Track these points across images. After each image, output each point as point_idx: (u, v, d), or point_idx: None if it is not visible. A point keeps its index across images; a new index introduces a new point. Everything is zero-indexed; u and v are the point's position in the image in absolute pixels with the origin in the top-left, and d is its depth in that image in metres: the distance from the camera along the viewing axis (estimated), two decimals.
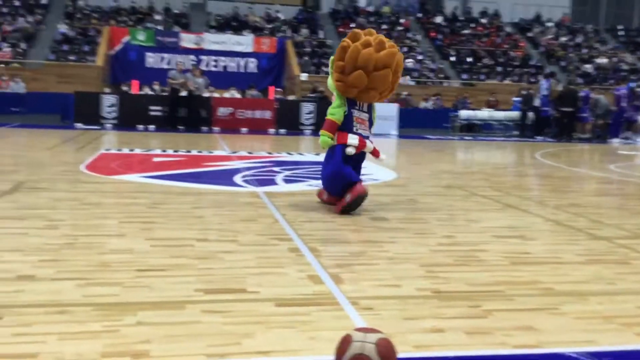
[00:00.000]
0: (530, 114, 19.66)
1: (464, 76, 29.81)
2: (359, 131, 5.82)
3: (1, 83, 21.92)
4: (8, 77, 22.04)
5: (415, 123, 21.61)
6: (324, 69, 27.79)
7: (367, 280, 3.62)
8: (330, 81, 5.96)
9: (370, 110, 6.00)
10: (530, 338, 2.81)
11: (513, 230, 5.24)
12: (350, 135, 5.74)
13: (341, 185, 5.66)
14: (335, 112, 5.79)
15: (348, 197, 5.56)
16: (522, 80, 28.33)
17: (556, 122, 19.16)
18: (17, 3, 30.36)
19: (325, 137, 5.80)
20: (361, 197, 5.59)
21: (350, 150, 5.72)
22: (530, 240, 4.86)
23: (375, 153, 5.97)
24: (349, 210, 5.60)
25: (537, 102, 19.26)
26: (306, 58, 27.73)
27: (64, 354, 2.43)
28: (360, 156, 5.94)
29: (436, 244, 4.61)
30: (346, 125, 5.77)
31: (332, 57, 6.02)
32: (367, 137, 5.89)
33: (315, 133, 17.87)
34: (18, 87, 21.69)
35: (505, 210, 6.21)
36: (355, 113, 5.83)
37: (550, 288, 3.62)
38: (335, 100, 5.88)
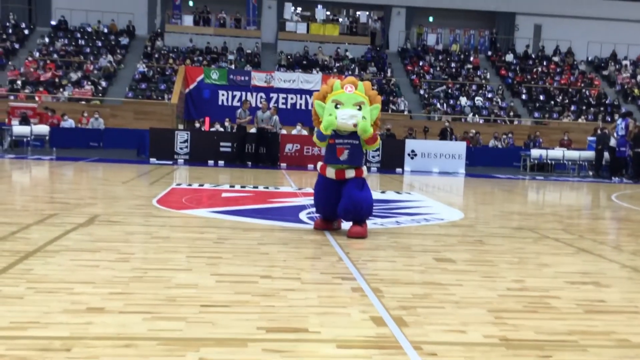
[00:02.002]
0: (606, 154, 18.98)
1: (536, 114, 29.21)
2: None
3: (82, 119, 23.04)
4: (88, 114, 23.16)
5: (484, 161, 21.28)
6: (392, 106, 27.85)
7: (432, 324, 3.53)
8: (370, 121, 6.41)
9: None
10: None
11: (587, 276, 5.02)
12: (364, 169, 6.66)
13: (368, 216, 6.46)
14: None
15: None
16: (597, 119, 27.49)
17: (633, 163, 18.41)
18: (99, 44, 32.11)
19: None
20: None
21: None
22: (605, 287, 4.63)
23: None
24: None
25: (612, 142, 18.59)
26: None
27: None
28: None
29: (505, 289, 4.46)
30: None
31: (361, 98, 6.40)
32: None
33: (381, 170, 17.83)
34: (97, 123, 22.76)
35: (578, 255, 5.96)
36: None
37: (627, 339, 3.42)
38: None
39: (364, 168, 6.61)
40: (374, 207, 6.70)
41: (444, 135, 21.78)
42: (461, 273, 4.90)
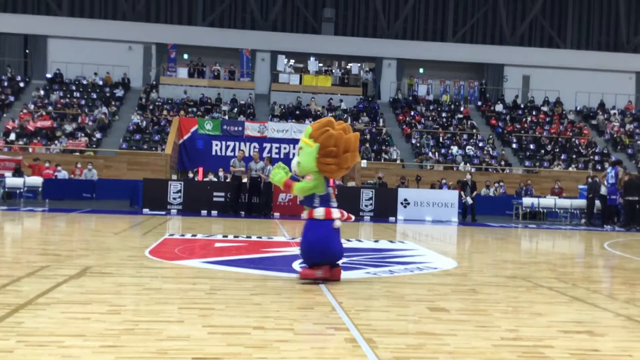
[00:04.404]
0: (597, 202, 19.10)
1: (527, 163, 29.50)
2: (333, 204, 6.55)
3: (75, 170, 23.09)
4: (82, 165, 23.23)
5: (477, 210, 21.29)
6: (384, 155, 28.09)
7: None
8: (305, 163, 6.52)
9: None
10: None
11: (580, 325, 5.00)
12: (334, 211, 6.47)
13: (321, 259, 6.33)
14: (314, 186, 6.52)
15: (320, 273, 6.33)
16: (587, 168, 27.79)
17: (625, 211, 18.52)
18: (94, 96, 32.46)
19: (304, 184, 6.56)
20: (326, 280, 6.39)
21: (338, 223, 6.45)
22: (599, 337, 4.61)
23: (348, 219, 6.68)
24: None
25: (603, 190, 18.74)
26: (366, 145, 28.16)
27: None
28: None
29: (499, 338, 4.44)
30: (329, 202, 6.52)
31: (301, 143, 6.62)
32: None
33: (374, 219, 17.86)
34: (91, 174, 22.79)
35: (572, 304, 5.95)
36: (330, 190, 6.62)
37: None
38: (313, 181, 6.51)
39: (317, 209, 6.47)
40: (343, 254, 6.73)
41: (464, 189, 19.57)
42: (455, 323, 4.88)
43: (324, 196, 6.52)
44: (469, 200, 19.00)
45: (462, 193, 19.18)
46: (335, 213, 6.48)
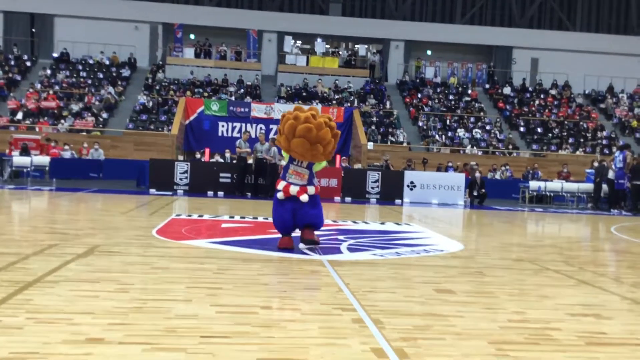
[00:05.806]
0: (604, 187, 19.02)
1: (534, 147, 29.37)
2: (291, 180, 7.35)
3: (82, 150, 23.12)
4: (88, 145, 23.25)
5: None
6: (391, 138, 28.02)
7: (433, 356, 3.51)
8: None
9: (309, 166, 7.44)
10: None
11: (588, 308, 5.00)
12: (280, 183, 7.43)
13: (277, 228, 7.62)
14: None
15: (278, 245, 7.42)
16: (594, 152, 27.65)
17: (632, 195, 18.44)
18: (100, 75, 32.41)
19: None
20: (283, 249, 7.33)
21: (280, 195, 7.39)
22: (606, 320, 4.62)
23: (298, 194, 7.29)
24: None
25: (611, 175, 18.65)
26: (372, 127, 28.07)
27: None
28: (295, 200, 7.31)
29: (506, 320, 4.45)
30: (282, 175, 7.53)
31: None
32: (304, 185, 7.34)
33: (380, 201, 17.84)
34: (97, 154, 22.82)
35: (579, 287, 5.95)
36: (292, 167, 7.41)
37: None
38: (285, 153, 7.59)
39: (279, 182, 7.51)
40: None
41: (472, 187, 19.10)
42: (462, 304, 4.89)
43: (284, 168, 7.57)
44: (467, 202, 18.80)
45: (467, 191, 18.92)
46: (279, 185, 7.41)
